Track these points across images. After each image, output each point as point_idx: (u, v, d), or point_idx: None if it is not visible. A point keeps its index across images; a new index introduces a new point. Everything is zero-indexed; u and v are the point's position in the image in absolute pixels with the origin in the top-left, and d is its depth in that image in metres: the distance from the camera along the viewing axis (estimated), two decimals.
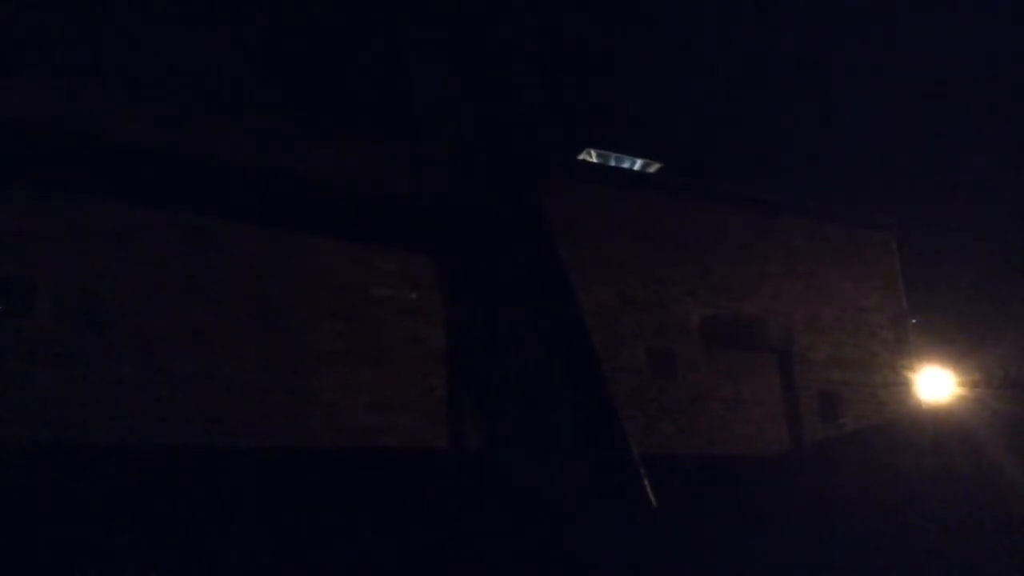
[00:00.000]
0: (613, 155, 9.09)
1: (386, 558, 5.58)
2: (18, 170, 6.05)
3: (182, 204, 5.95)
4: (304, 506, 5.94)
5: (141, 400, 6.20)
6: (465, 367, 7.21)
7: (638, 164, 9.16)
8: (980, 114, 8.33)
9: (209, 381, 6.47)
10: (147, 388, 6.24)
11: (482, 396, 6.87)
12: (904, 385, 10.18)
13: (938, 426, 8.65)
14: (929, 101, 8.07)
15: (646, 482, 4.75)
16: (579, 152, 8.77)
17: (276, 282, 6.90)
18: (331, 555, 5.60)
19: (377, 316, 7.29)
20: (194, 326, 6.52)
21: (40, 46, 5.99)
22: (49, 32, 5.93)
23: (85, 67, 6.17)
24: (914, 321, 10.50)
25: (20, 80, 6.03)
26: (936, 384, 10.32)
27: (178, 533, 5.48)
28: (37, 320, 6.09)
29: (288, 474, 6.27)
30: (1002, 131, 8.69)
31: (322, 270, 7.11)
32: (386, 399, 7.11)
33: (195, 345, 6.48)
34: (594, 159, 8.94)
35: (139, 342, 6.30)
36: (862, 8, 6.54)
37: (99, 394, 6.07)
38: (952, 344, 10.65)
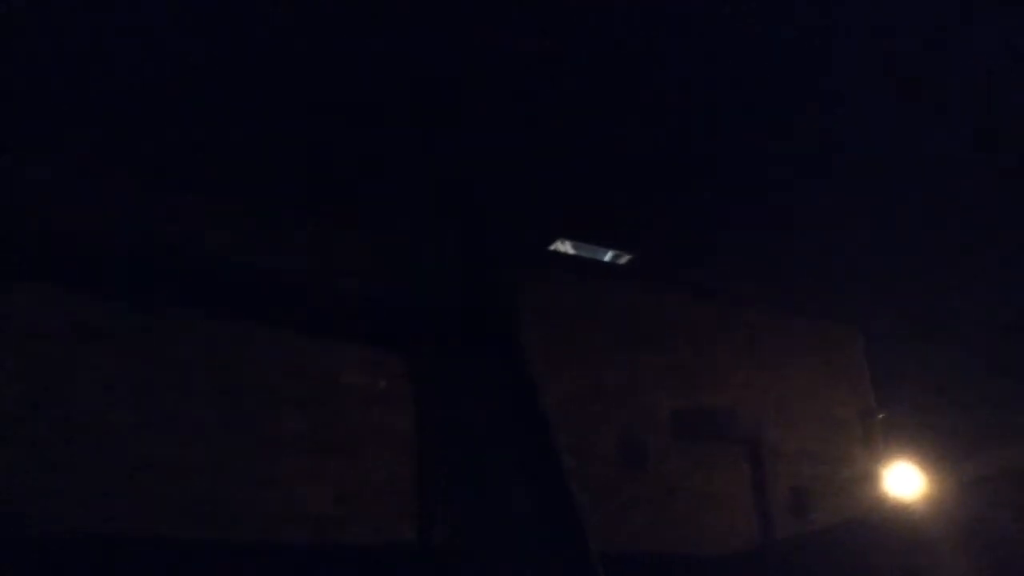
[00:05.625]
0: (584, 246, 9.19)
1: None
2: None
3: (141, 297, 5.93)
4: None
5: (94, 487, 6.01)
6: (433, 460, 7.12)
7: (608, 256, 9.26)
8: (943, 209, 8.56)
9: (167, 468, 6.30)
10: (101, 475, 6.06)
11: (449, 490, 6.76)
12: (873, 480, 10.16)
13: (906, 525, 8.63)
14: (892, 197, 8.28)
15: None
16: (551, 242, 8.85)
17: (240, 368, 6.81)
18: None
19: (345, 403, 7.19)
20: (154, 412, 6.38)
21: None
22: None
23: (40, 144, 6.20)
24: (881, 416, 10.55)
25: None
26: (905, 480, 10.32)
27: None
28: None
29: (245, 571, 6.10)
30: (967, 225, 8.91)
31: (289, 356, 7.04)
32: (352, 489, 6.96)
33: (154, 432, 6.33)
34: (567, 250, 9.03)
35: (97, 428, 6.15)
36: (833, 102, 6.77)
37: (50, 481, 5.88)
38: (919, 440, 10.69)
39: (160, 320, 6.58)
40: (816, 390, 10.20)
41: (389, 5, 5.24)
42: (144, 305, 6.53)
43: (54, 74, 5.71)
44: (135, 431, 6.28)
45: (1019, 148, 7.30)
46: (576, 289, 8.88)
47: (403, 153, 6.73)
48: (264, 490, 6.60)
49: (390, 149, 6.67)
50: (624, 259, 9.35)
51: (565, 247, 9.02)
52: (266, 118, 6.33)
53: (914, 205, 8.35)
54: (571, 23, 5.58)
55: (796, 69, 6.21)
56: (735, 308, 9.96)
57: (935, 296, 10.29)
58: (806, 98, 6.59)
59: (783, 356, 10.13)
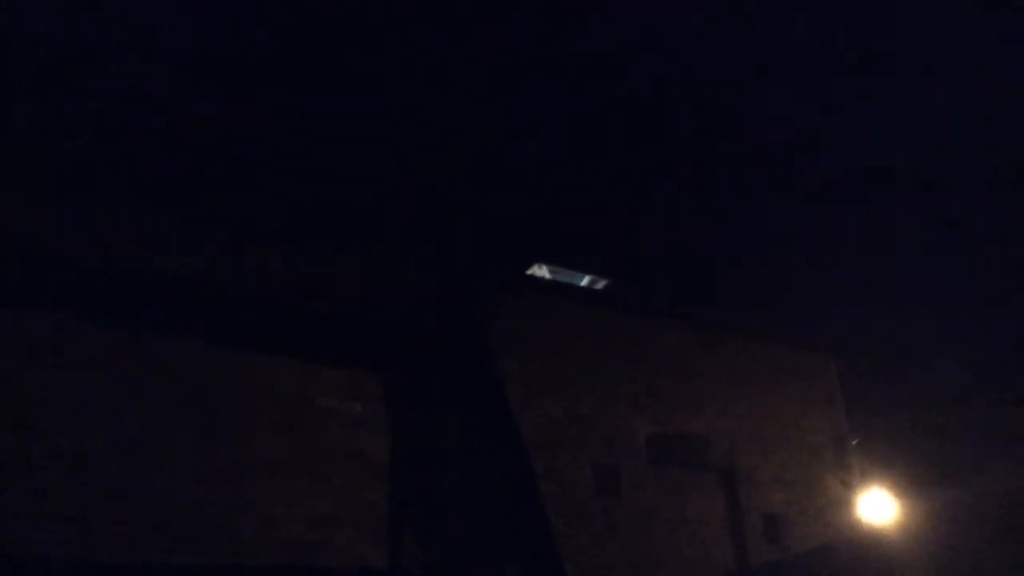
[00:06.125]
0: (562, 270, 9.24)
1: None
2: None
3: (118, 318, 5.90)
4: None
5: (68, 512, 5.93)
6: (408, 483, 7.10)
7: (585, 281, 9.31)
8: (913, 238, 8.68)
9: (142, 493, 6.23)
10: (75, 499, 5.99)
11: (423, 514, 6.75)
12: (847, 507, 10.21)
13: (879, 552, 8.66)
14: (875, 227, 8.40)
15: None
16: (529, 266, 8.89)
17: (215, 391, 6.76)
18: None
19: (319, 427, 7.15)
20: (128, 435, 6.32)
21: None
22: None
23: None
24: (855, 442, 10.63)
25: None
26: (878, 507, 10.38)
27: None
28: None
29: None
30: (944, 258, 9.04)
31: (264, 379, 7.00)
32: (325, 514, 6.91)
33: (129, 455, 6.27)
34: (545, 274, 9.08)
35: (70, 451, 6.08)
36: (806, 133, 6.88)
37: (23, 505, 5.80)
38: (892, 467, 10.78)
39: (135, 345, 6.54)
40: (791, 417, 10.26)
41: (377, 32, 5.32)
42: (119, 330, 6.49)
43: (41, 97, 5.72)
44: (111, 456, 6.21)
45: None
46: (553, 315, 8.90)
47: (381, 181, 6.77)
48: (239, 514, 6.54)
49: (368, 176, 6.70)
50: (601, 284, 9.41)
51: (542, 272, 9.08)
52: (243, 147, 6.35)
53: (894, 237, 8.47)
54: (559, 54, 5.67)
55: (790, 91, 6.31)
56: (711, 335, 10.02)
57: (910, 325, 10.42)
58: (796, 124, 6.69)
59: (759, 383, 10.18)
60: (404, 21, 5.38)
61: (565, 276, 9.29)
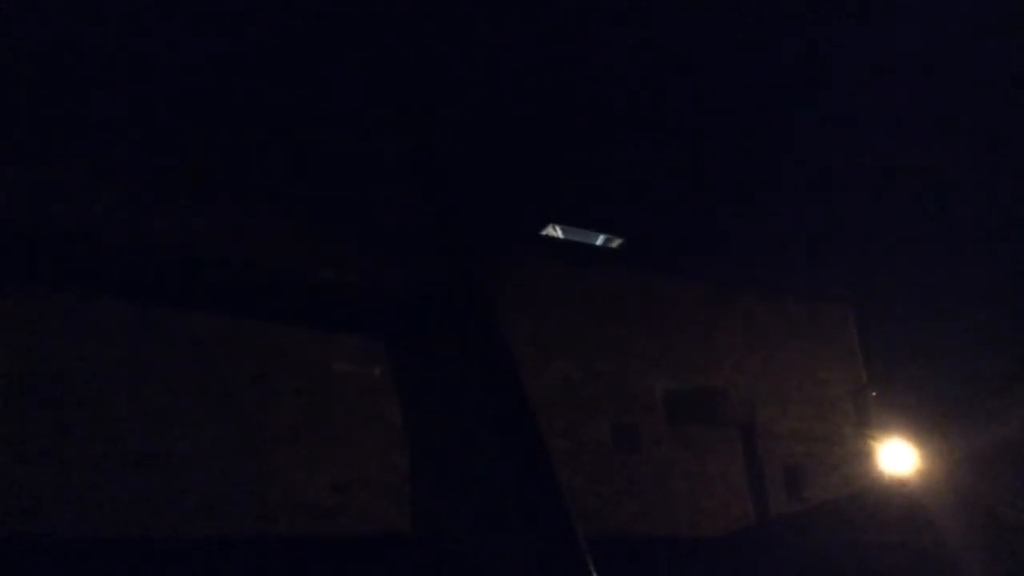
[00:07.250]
0: (575, 230, 9.21)
1: None
2: None
3: (134, 292, 5.95)
4: None
5: (94, 484, 6.03)
6: (425, 447, 7.17)
7: (600, 240, 9.28)
8: (936, 188, 8.58)
9: (165, 462, 6.33)
10: (101, 471, 6.09)
11: (440, 476, 6.82)
12: (867, 457, 10.23)
13: (901, 501, 8.71)
14: (883, 178, 8.30)
15: (590, 563, 4.68)
16: (543, 227, 8.87)
17: (234, 359, 6.82)
18: None
19: (338, 392, 7.22)
20: (150, 405, 6.40)
21: None
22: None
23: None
24: (874, 394, 10.61)
25: None
26: (899, 457, 10.39)
27: None
28: None
29: (243, 561, 6.15)
30: (960, 203, 8.93)
31: (281, 346, 7.06)
32: (347, 477, 7.00)
33: (151, 425, 6.35)
34: (558, 234, 9.05)
35: (93, 422, 6.17)
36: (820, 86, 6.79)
37: (50, 478, 5.91)
38: (912, 417, 10.75)
39: (152, 317, 6.59)
40: (809, 370, 10.25)
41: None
42: (135, 303, 6.54)
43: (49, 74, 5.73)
44: (131, 424, 6.30)
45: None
46: (568, 275, 8.89)
47: (383, 148, 6.75)
48: (262, 480, 6.63)
49: (370, 144, 6.67)
50: (616, 243, 9.37)
51: (556, 232, 9.05)
52: (250, 116, 6.33)
53: (907, 178, 8.36)
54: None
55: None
56: (727, 290, 9.99)
57: (927, 275, 10.34)
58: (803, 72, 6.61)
59: (776, 337, 10.17)
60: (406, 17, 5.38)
61: (579, 236, 9.26)
